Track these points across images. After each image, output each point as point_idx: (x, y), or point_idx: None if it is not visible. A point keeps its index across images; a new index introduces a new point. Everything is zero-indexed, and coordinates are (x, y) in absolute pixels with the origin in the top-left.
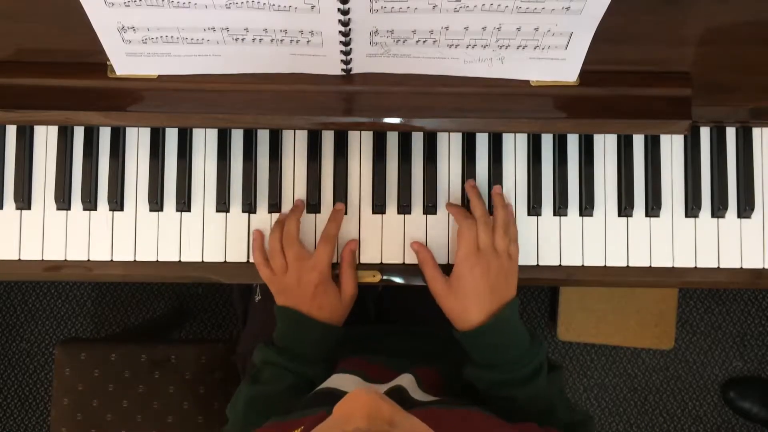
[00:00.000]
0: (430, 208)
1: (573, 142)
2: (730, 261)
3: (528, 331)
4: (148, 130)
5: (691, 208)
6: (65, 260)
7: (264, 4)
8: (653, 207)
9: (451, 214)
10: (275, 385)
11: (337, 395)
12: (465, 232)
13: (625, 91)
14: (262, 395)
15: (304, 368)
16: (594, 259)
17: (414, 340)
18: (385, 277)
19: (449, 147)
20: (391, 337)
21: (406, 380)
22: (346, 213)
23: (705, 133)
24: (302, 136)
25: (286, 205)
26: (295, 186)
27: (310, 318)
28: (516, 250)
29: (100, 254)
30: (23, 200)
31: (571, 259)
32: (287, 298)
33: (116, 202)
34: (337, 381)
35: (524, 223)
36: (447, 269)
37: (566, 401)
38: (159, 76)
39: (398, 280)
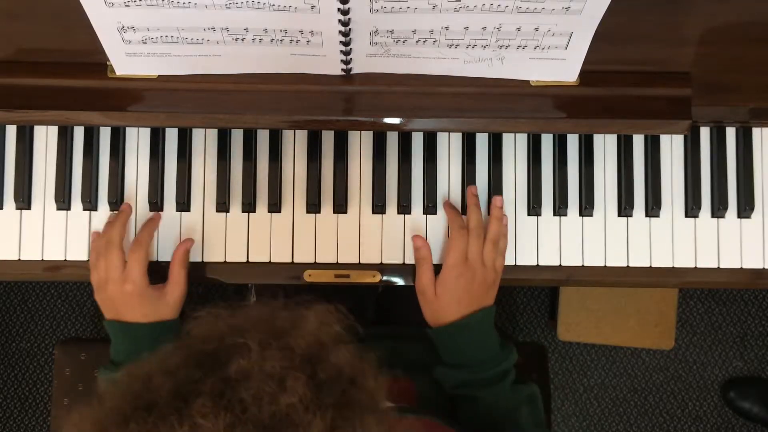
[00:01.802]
0: (430, 208)
1: (573, 142)
2: (730, 261)
3: (500, 340)
4: (148, 130)
5: (691, 208)
6: (65, 260)
7: (264, 4)
8: (653, 207)
9: (446, 215)
10: None
11: None
12: (456, 241)
13: (625, 91)
14: None
15: None
16: (594, 259)
17: (402, 345)
18: (384, 278)
19: (449, 147)
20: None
21: None
22: (346, 212)
23: (705, 133)
24: (302, 136)
25: (286, 205)
26: (295, 186)
27: (140, 325)
28: (502, 264)
29: None
30: (23, 200)
31: (571, 259)
32: (113, 309)
33: (116, 203)
34: None
35: (524, 223)
36: (437, 268)
37: (538, 421)
38: (159, 76)
39: (398, 280)
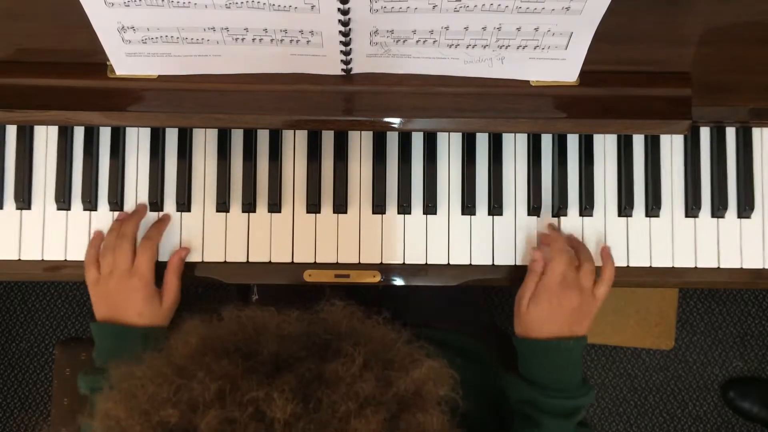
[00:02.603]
0: (430, 208)
1: (573, 142)
2: (730, 261)
3: (582, 376)
4: (148, 130)
5: (691, 208)
6: (65, 260)
7: (264, 4)
8: (653, 207)
9: (548, 243)
10: None
11: None
12: (556, 262)
13: (625, 91)
14: None
15: None
16: (594, 259)
17: None
18: (384, 278)
19: (449, 147)
20: None
21: None
22: (346, 212)
23: (705, 133)
24: (302, 136)
25: (286, 205)
26: (295, 186)
27: (130, 327)
28: (604, 293)
29: None
30: (23, 200)
31: None
32: (109, 307)
33: (116, 203)
34: None
35: (524, 223)
36: (443, 269)
37: None
38: (159, 76)
39: (398, 280)
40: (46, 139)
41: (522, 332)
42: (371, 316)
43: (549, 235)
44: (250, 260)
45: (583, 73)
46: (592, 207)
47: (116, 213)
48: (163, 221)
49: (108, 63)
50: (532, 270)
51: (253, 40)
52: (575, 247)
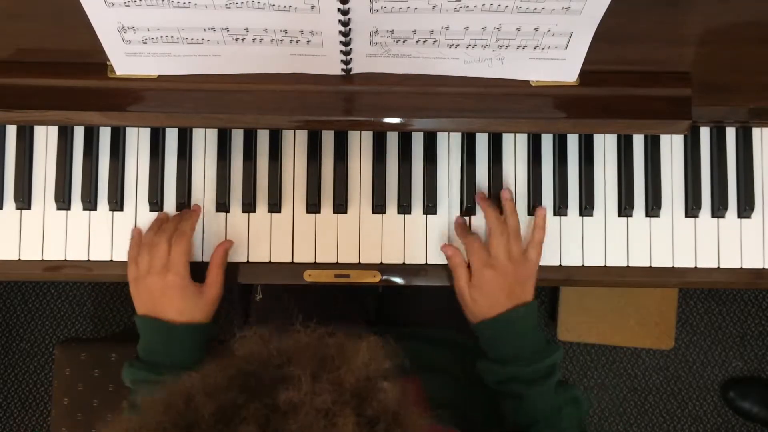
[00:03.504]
0: (430, 208)
1: (573, 142)
2: (730, 261)
3: (545, 336)
4: (148, 130)
5: (691, 208)
6: (65, 260)
7: (264, 4)
8: (653, 207)
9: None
10: None
11: None
12: (472, 252)
13: (625, 91)
14: None
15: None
16: (594, 259)
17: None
18: (384, 278)
19: (449, 147)
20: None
21: None
22: (346, 212)
23: (705, 133)
24: (302, 136)
25: (286, 205)
26: (295, 186)
27: (172, 324)
28: (536, 254)
29: (100, 254)
30: (23, 200)
31: (571, 259)
32: (148, 304)
33: (116, 202)
34: None
35: (524, 223)
36: (443, 269)
37: (580, 425)
38: (159, 76)
39: (398, 280)
40: (46, 139)
41: (476, 320)
42: (287, 328)
43: (458, 231)
44: (250, 260)
45: (583, 73)
46: (592, 207)
47: (115, 213)
48: (195, 212)
49: (108, 63)
50: (455, 264)
51: (253, 40)
52: (502, 219)
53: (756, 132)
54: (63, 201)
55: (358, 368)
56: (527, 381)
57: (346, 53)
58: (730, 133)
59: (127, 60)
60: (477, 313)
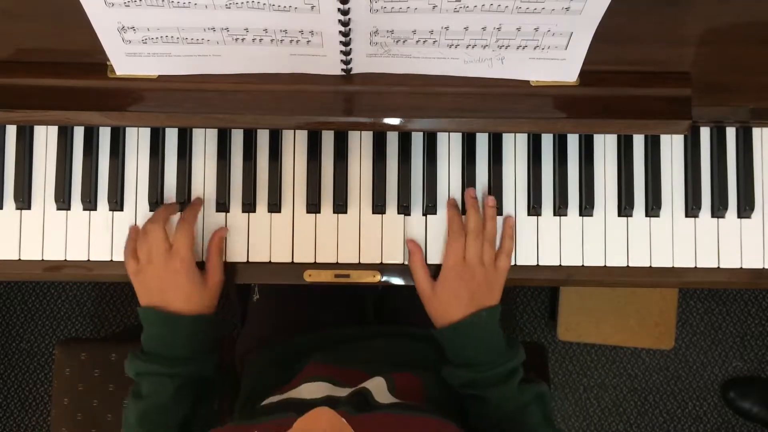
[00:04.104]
0: (430, 208)
1: (573, 142)
2: (730, 261)
3: (507, 338)
4: (148, 130)
5: (691, 208)
6: (65, 260)
7: (264, 4)
8: (653, 207)
9: (447, 215)
10: (159, 395)
11: (306, 404)
12: (455, 243)
13: (625, 91)
14: (152, 408)
15: (183, 369)
16: (594, 259)
17: (404, 344)
18: (384, 278)
19: (449, 147)
20: (380, 339)
21: (374, 383)
22: (346, 212)
23: (705, 133)
24: (302, 136)
25: (286, 205)
26: (295, 186)
27: (178, 315)
28: (506, 264)
29: (100, 254)
30: (23, 200)
31: (571, 259)
32: (154, 294)
33: (116, 202)
34: (305, 390)
35: (524, 223)
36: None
37: (547, 418)
38: (159, 76)
39: (398, 280)
40: (46, 139)
41: (438, 321)
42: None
43: (450, 211)
44: (250, 260)
45: (583, 73)
46: (592, 207)
47: (115, 213)
48: (197, 203)
49: (108, 63)
50: (415, 262)
51: (253, 40)
52: (481, 223)
53: (756, 132)
54: (63, 201)
55: None
56: (489, 384)
57: (346, 53)
58: (730, 133)
59: (127, 60)
60: (439, 310)
